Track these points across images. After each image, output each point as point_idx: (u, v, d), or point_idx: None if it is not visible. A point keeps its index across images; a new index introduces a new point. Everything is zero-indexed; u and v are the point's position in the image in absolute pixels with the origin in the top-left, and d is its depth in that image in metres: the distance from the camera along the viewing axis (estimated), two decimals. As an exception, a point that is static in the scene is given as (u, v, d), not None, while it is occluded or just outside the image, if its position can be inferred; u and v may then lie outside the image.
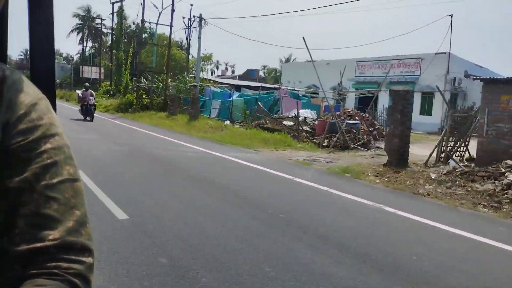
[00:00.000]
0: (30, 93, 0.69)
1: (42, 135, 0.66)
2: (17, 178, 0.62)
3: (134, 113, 24.15)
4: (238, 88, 27.44)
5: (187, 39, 35.03)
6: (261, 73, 63.37)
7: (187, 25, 33.43)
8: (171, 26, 27.32)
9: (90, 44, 58.52)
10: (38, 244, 0.60)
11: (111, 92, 34.23)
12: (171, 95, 23.62)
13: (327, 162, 10.84)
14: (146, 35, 43.04)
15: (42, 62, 0.83)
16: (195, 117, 20.00)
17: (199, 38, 23.39)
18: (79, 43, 57.54)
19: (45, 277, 0.59)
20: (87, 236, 0.65)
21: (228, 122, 19.48)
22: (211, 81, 29.68)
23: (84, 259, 0.62)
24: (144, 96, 25.84)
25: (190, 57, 37.84)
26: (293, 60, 53.61)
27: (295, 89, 27.09)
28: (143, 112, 23.98)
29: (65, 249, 0.61)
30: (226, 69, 70.59)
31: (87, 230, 0.65)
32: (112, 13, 37.98)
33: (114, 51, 37.14)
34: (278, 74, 52.72)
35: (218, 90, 26.04)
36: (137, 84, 26.94)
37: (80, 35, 56.83)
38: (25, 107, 0.67)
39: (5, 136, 0.63)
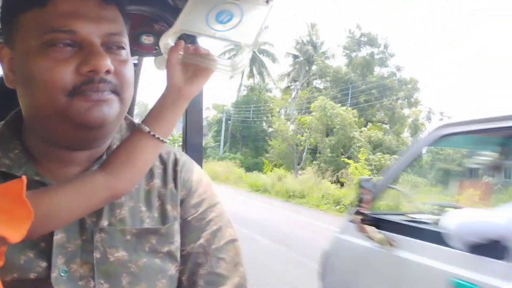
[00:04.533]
0: (195, 171, 0.87)
1: (208, 206, 0.84)
2: (194, 245, 0.81)
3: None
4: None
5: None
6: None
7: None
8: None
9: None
10: None
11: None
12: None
13: None
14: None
15: (193, 139, 1.03)
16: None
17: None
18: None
19: None
20: None
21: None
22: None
23: None
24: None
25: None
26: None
27: None
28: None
29: None
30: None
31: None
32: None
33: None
34: None
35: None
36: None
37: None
38: (194, 184, 0.85)
39: (182, 210, 0.82)
